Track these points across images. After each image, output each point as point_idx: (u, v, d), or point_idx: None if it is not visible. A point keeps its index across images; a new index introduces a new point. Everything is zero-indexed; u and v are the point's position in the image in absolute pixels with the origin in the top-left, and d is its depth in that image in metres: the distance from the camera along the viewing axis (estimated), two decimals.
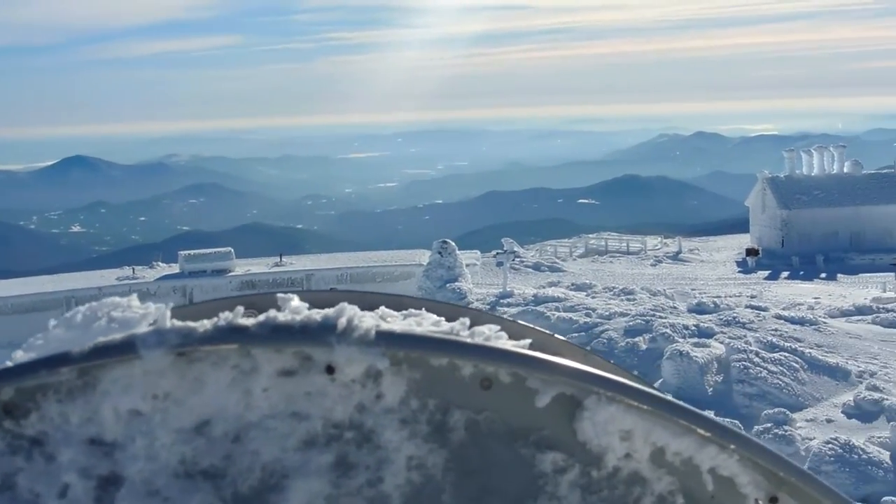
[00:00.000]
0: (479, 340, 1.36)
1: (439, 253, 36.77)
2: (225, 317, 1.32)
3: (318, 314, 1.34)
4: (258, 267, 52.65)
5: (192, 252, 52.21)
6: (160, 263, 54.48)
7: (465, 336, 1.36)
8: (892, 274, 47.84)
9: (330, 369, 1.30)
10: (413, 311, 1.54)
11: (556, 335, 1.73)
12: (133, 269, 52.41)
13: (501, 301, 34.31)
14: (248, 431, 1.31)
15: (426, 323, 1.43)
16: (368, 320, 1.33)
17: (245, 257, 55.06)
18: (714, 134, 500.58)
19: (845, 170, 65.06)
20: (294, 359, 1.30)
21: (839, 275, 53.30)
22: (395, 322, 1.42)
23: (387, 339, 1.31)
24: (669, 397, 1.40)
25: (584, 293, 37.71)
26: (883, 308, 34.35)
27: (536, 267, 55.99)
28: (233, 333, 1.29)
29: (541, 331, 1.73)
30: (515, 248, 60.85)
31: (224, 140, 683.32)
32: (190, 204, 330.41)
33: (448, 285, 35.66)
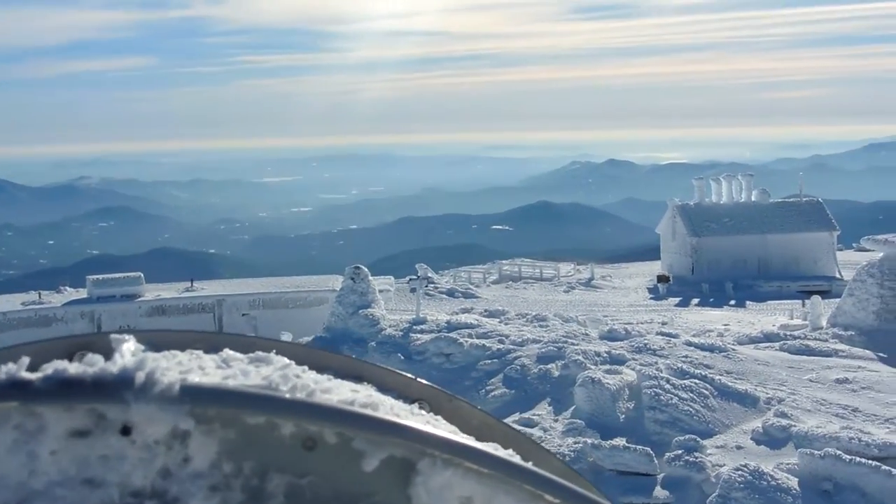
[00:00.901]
0: (300, 395, 1.17)
1: (352, 279, 36.48)
2: (7, 369, 1.13)
3: (114, 366, 1.14)
4: (168, 292, 51.93)
5: (100, 277, 51.36)
6: (67, 288, 53.47)
7: (284, 390, 1.17)
8: (800, 301, 48.65)
9: (126, 430, 1.12)
10: (260, 353, 1.35)
11: (419, 379, 1.53)
12: (39, 293, 51.31)
13: (414, 327, 34.17)
14: (32, 501, 1.12)
15: (263, 370, 1.24)
16: (173, 373, 1.14)
17: (156, 282, 54.32)
18: (626, 161, 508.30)
19: (753, 198, 66.18)
20: (87, 417, 1.12)
21: (748, 301, 54.06)
22: (216, 373, 1.21)
23: (193, 394, 1.13)
24: (516, 460, 1.23)
25: (497, 320, 37.72)
26: (790, 335, 34.90)
27: (450, 293, 55.98)
28: (12, 389, 1.11)
29: (406, 376, 1.53)
30: (429, 274, 60.81)
31: (135, 163, 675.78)
32: (100, 227, 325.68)
33: (360, 311, 35.38)
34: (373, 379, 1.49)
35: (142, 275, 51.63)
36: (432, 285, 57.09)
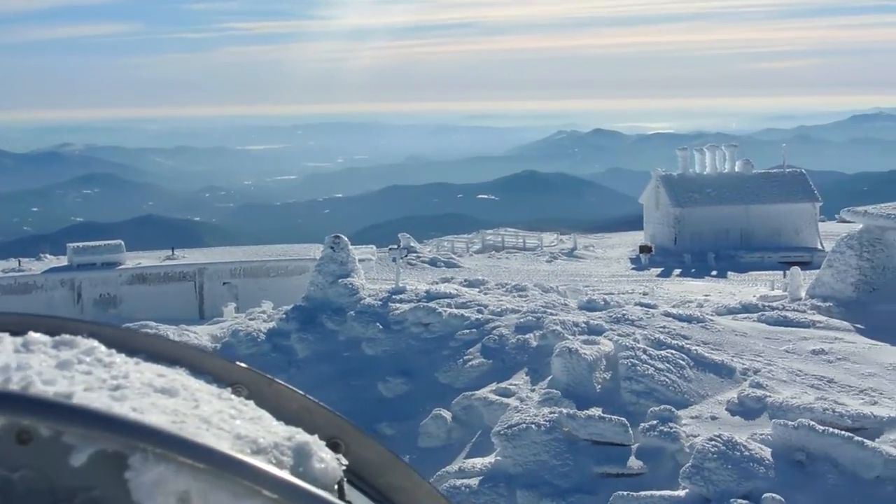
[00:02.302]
0: (13, 388, 1.14)
1: (331, 248, 36.40)
2: None
3: None
4: (149, 260, 51.82)
5: (80, 244, 51.16)
6: (48, 255, 53.28)
7: None
8: (781, 272, 48.78)
9: None
10: (66, 337, 1.31)
11: (238, 363, 1.50)
12: (19, 261, 51.14)
13: (393, 297, 34.12)
14: None
15: (63, 354, 1.21)
16: None
17: (138, 250, 54.18)
18: (612, 131, 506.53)
19: (736, 169, 66.29)
20: None
21: (729, 272, 54.29)
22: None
23: None
24: (236, 454, 1.18)
25: (477, 289, 37.74)
26: (769, 306, 34.98)
27: (433, 262, 56.03)
28: None
29: (225, 360, 1.50)
30: (412, 244, 60.81)
31: (120, 130, 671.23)
32: (84, 194, 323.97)
33: (340, 280, 35.31)
34: (187, 362, 1.45)
35: (122, 242, 51.44)
36: (414, 255, 57.10)
